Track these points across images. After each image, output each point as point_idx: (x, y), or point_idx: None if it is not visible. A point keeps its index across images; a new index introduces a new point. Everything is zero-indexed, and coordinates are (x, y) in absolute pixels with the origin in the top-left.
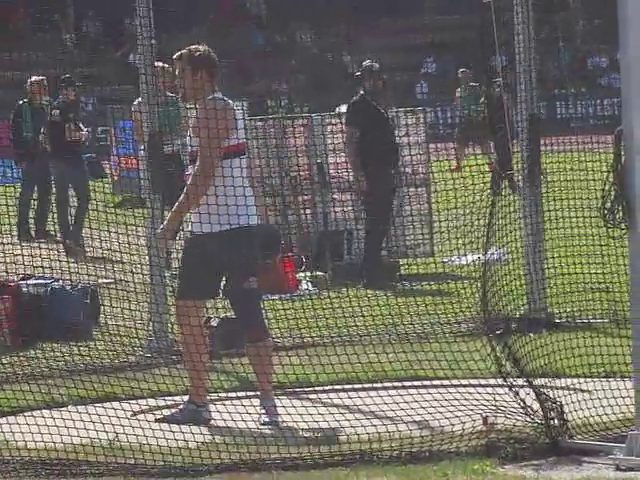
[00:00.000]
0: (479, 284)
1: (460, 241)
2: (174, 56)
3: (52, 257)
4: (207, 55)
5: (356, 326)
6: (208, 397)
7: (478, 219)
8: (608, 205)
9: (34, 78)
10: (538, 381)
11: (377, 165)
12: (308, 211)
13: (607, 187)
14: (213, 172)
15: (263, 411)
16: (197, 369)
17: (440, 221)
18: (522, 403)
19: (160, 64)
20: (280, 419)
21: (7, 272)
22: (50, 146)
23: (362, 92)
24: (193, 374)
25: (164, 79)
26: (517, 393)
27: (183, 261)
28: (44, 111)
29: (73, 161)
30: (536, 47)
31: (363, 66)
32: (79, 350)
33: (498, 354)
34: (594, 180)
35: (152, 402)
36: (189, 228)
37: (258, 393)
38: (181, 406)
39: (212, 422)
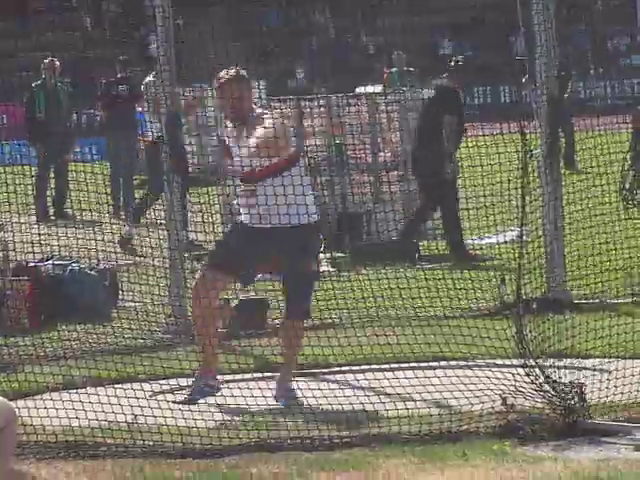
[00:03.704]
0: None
1: (483, 222)
2: (221, 80)
3: (71, 238)
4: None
5: (376, 307)
6: (215, 367)
7: (507, 199)
8: (627, 185)
9: (47, 60)
10: (558, 362)
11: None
12: (327, 192)
13: (626, 167)
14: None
15: (279, 392)
16: (208, 339)
17: (467, 198)
18: (542, 384)
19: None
20: (296, 399)
21: (27, 253)
22: (111, 120)
23: (445, 79)
24: (206, 347)
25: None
26: (537, 374)
27: (226, 238)
28: (58, 92)
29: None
30: (556, 27)
31: (459, 58)
32: (98, 331)
33: (520, 334)
34: (615, 160)
35: (172, 382)
36: (250, 221)
37: (277, 374)
38: (191, 385)
39: (231, 402)
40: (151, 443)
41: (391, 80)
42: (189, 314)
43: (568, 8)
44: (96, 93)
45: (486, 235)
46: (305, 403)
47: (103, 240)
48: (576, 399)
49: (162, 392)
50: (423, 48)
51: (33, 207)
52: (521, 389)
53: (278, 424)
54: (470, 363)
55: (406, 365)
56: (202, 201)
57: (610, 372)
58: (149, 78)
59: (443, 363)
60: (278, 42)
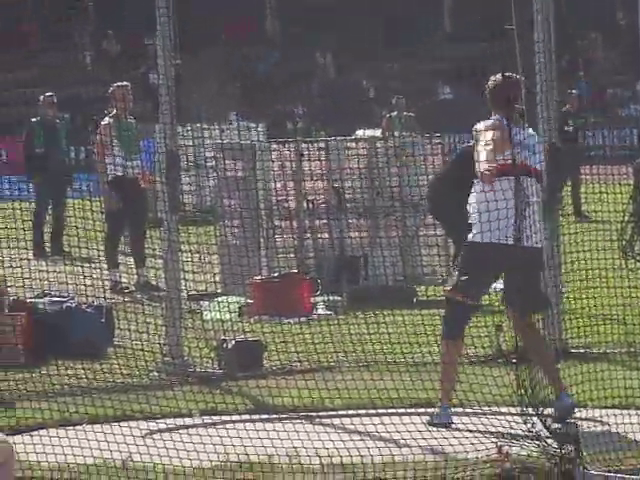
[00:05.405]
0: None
1: None
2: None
3: (67, 274)
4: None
5: (372, 351)
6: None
7: None
8: (627, 237)
9: (45, 95)
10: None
11: None
12: (325, 235)
13: (626, 219)
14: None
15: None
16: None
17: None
18: (537, 432)
19: (124, 84)
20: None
21: (23, 289)
22: None
23: None
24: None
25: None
26: (533, 422)
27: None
28: (57, 127)
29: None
30: (557, 76)
31: None
32: (94, 369)
33: (518, 382)
34: (614, 211)
35: (168, 421)
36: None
37: (277, 416)
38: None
39: (225, 444)
40: None
41: (391, 124)
42: (184, 353)
43: (570, 58)
44: (92, 129)
45: None
46: (300, 445)
47: (100, 277)
48: (572, 448)
49: (157, 431)
50: (424, 93)
51: (31, 242)
52: (517, 437)
53: (275, 467)
54: (466, 410)
55: (402, 410)
56: (198, 241)
57: (605, 422)
58: (107, 120)
59: None
60: (278, 83)
